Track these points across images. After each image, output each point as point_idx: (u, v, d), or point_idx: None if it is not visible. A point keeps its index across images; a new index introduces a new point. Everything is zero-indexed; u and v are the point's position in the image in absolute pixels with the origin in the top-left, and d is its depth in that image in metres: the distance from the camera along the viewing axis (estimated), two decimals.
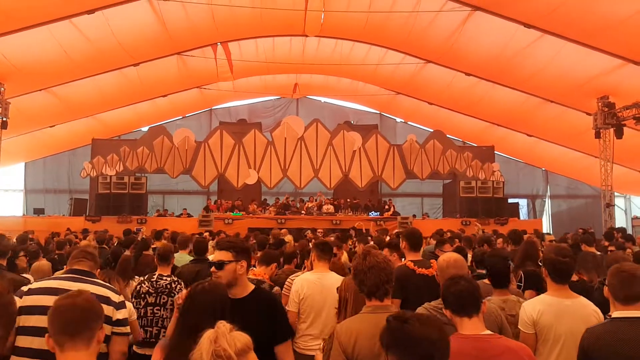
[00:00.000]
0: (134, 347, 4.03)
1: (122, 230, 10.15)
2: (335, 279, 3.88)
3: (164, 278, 4.34)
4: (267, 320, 2.57)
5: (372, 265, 2.53)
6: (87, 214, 17.17)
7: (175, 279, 4.48)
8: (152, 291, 4.21)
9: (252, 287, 2.72)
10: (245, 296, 2.65)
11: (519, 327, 2.97)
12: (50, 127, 17.88)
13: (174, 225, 13.40)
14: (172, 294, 4.28)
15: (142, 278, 4.38)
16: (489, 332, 2.28)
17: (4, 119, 13.76)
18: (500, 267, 3.45)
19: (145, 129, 20.11)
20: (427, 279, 3.87)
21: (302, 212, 17.51)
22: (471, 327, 2.25)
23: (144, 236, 9.80)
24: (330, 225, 15.68)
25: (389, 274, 2.57)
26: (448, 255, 3.14)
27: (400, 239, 4.24)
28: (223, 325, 1.68)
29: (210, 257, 4.56)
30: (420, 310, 2.95)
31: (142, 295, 4.19)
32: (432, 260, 4.22)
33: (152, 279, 4.31)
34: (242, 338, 1.67)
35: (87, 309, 1.91)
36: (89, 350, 1.87)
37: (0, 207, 15.33)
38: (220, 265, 2.62)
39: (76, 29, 12.01)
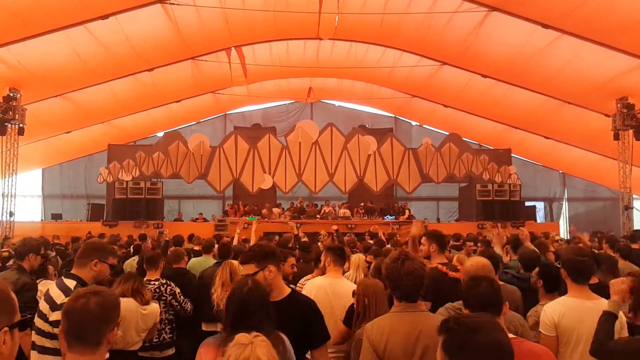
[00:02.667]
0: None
1: (138, 235, 10.17)
2: (348, 286, 3.81)
3: (152, 282, 4.44)
4: (303, 323, 2.57)
5: (409, 272, 2.50)
6: (104, 219, 17.29)
7: (164, 281, 4.60)
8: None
9: (288, 290, 2.72)
10: (282, 299, 2.64)
11: (540, 329, 2.94)
12: (67, 133, 18.07)
13: (191, 230, 13.39)
14: (163, 297, 4.47)
15: None
16: (511, 335, 2.18)
17: (21, 125, 13.91)
18: (555, 270, 3.44)
19: (160, 134, 20.25)
20: (456, 283, 3.79)
21: (317, 216, 17.44)
22: None
23: (167, 238, 9.86)
24: (345, 229, 15.56)
25: (424, 280, 2.56)
26: (476, 260, 3.06)
27: (427, 241, 4.11)
28: (255, 337, 1.70)
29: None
30: (441, 310, 2.96)
31: None
32: (456, 264, 4.14)
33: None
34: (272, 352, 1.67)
35: (99, 313, 1.83)
36: (95, 355, 1.82)
37: (19, 212, 15.45)
38: None
39: (91, 35, 12.10)
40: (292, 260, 4.39)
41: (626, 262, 5.79)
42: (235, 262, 4.15)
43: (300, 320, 2.56)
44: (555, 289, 3.38)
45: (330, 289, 3.80)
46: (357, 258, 5.35)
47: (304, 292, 3.89)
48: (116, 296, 2.02)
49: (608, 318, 2.61)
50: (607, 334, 2.55)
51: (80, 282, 2.83)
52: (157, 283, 4.47)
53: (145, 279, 4.45)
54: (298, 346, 2.45)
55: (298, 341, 2.44)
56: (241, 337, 1.70)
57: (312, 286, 3.90)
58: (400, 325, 2.42)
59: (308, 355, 2.69)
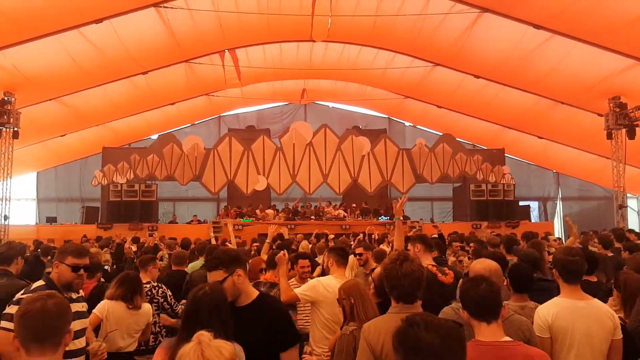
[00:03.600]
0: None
1: (131, 238, 10.16)
2: None
3: (144, 285, 4.39)
4: (272, 327, 2.52)
5: (408, 273, 2.50)
6: (99, 221, 17.28)
7: (155, 284, 4.62)
8: None
9: (256, 293, 2.66)
10: (249, 304, 2.60)
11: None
12: (61, 136, 18.04)
13: (185, 232, 13.42)
14: (155, 299, 4.47)
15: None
16: (508, 338, 2.22)
17: (15, 129, 13.91)
18: (523, 270, 3.39)
19: (154, 136, 20.24)
20: (443, 286, 3.85)
21: (312, 217, 17.48)
22: (489, 333, 2.19)
23: (156, 241, 9.87)
24: (339, 230, 15.60)
25: (422, 281, 2.56)
26: (487, 264, 3.00)
27: (412, 242, 4.19)
28: (203, 335, 1.65)
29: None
30: (447, 310, 2.93)
31: None
32: (445, 268, 4.21)
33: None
34: (228, 347, 1.63)
35: (57, 314, 1.86)
36: (55, 355, 1.83)
37: (14, 216, 15.42)
38: None
39: (85, 39, 12.12)
40: (301, 262, 4.44)
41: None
42: None
43: (267, 324, 2.52)
44: (525, 290, 3.31)
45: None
46: (351, 259, 5.41)
47: (307, 284, 3.96)
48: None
49: None
50: None
51: (48, 283, 2.86)
52: (148, 286, 4.48)
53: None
54: (267, 350, 2.44)
55: (266, 345, 2.43)
56: (196, 335, 1.65)
57: (317, 282, 3.92)
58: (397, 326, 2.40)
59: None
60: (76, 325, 2.78)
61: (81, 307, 3.03)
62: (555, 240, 10.53)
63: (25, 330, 1.81)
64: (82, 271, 2.93)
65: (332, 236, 10.19)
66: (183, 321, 2.24)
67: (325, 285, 3.87)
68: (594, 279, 4.12)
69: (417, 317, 1.64)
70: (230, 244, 7.91)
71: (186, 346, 1.61)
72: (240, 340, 2.28)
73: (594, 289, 3.62)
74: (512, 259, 4.79)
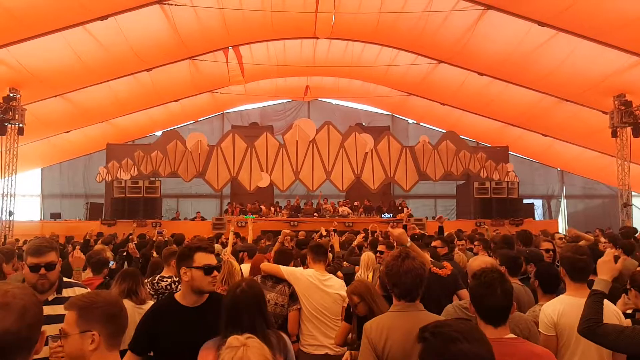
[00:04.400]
0: None
1: (137, 235, 10.20)
2: (335, 282, 3.98)
3: (165, 279, 4.35)
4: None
5: (408, 270, 2.48)
6: (103, 218, 17.35)
7: (177, 278, 4.44)
8: (153, 292, 4.21)
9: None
10: (202, 304, 2.63)
11: (539, 329, 2.87)
12: (66, 132, 18.11)
13: (188, 229, 13.47)
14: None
15: (146, 280, 4.36)
16: (512, 335, 2.19)
17: (20, 125, 13.96)
18: (553, 270, 3.40)
19: (158, 133, 20.32)
20: (439, 279, 3.91)
21: (315, 214, 17.49)
22: (495, 330, 2.16)
23: (166, 239, 9.86)
24: (343, 227, 15.62)
25: (424, 279, 2.53)
26: (483, 261, 3.00)
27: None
28: (247, 338, 1.70)
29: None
30: (449, 308, 2.93)
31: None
32: (445, 262, 4.24)
33: (154, 280, 4.34)
34: (267, 350, 1.68)
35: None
36: None
37: (18, 212, 15.51)
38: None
39: (90, 35, 12.16)
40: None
41: (629, 258, 5.80)
42: (235, 262, 4.23)
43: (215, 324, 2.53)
44: (554, 289, 3.33)
45: (318, 281, 3.94)
46: (367, 257, 5.41)
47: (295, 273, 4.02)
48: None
49: (598, 297, 2.53)
50: (598, 314, 2.48)
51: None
52: (169, 280, 4.38)
53: (159, 275, 4.42)
54: None
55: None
56: (233, 339, 1.69)
57: (299, 272, 4.04)
58: (400, 324, 2.40)
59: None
60: (48, 330, 2.51)
61: (57, 310, 2.61)
62: (561, 239, 10.45)
63: (113, 326, 1.84)
64: (43, 270, 2.65)
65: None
66: (226, 320, 2.28)
67: (304, 272, 4.03)
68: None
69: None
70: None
71: (230, 351, 1.63)
72: (188, 339, 2.37)
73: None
74: None
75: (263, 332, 2.31)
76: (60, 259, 2.89)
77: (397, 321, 2.43)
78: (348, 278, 5.08)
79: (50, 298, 2.73)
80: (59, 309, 2.62)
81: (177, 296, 2.68)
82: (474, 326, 1.59)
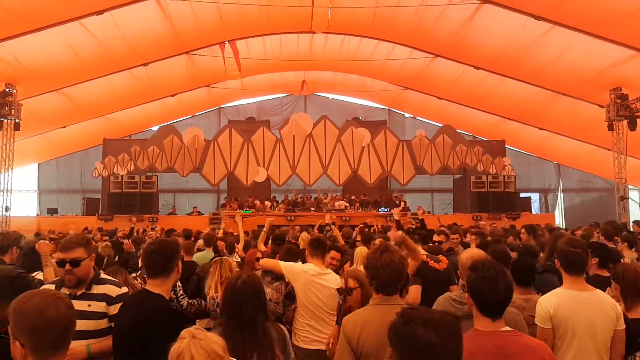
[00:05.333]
0: None
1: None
2: (332, 277, 3.99)
3: None
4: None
5: (387, 263, 2.47)
6: (100, 213, 17.34)
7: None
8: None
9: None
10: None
11: (535, 322, 2.90)
12: (62, 127, 18.06)
13: (185, 224, 13.47)
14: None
15: (134, 275, 4.38)
16: (508, 328, 2.18)
17: (17, 120, 13.92)
18: (527, 263, 3.40)
19: (155, 128, 20.28)
20: (435, 273, 4.00)
21: (312, 208, 17.51)
22: (490, 324, 2.16)
23: (158, 234, 9.88)
24: (340, 222, 15.64)
25: (402, 273, 2.53)
26: (471, 253, 2.99)
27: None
28: (196, 329, 1.64)
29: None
30: (441, 299, 2.93)
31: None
32: (440, 256, 4.27)
33: (145, 276, 4.33)
34: (220, 340, 1.63)
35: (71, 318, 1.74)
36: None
37: (15, 207, 15.49)
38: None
39: (86, 30, 12.10)
40: (332, 254, 4.50)
41: (632, 251, 5.85)
42: (230, 260, 4.26)
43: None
44: (529, 283, 3.33)
45: (316, 275, 3.95)
46: (360, 251, 5.45)
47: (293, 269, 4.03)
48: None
49: None
50: None
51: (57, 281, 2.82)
52: None
53: None
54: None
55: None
56: (183, 332, 1.61)
57: (298, 268, 4.03)
58: (375, 318, 2.37)
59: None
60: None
61: (79, 305, 2.64)
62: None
63: (37, 340, 1.65)
64: (68, 266, 2.71)
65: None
66: (226, 311, 2.33)
67: (302, 266, 4.03)
68: (606, 273, 3.89)
69: (413, 313, 1.59)
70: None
71: (181, 343, 1.57)
72: None
73: (605, 283, 3.52)
74: None
75: (263, 325, 2.34)
76: (93, 254, 2.92)
77: (373, 314, 2.43)
78: None
79: (78, 293, 2.75)
80: (82, 305, 2.69)
81: None
82: (445, 319, 1.59)
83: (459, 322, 1.64)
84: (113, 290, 2.85)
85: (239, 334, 2.26)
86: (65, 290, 2.71)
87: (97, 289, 2.82)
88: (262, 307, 2.35)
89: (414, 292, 3.86)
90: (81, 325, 2.53)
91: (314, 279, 3.88)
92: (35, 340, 1.63)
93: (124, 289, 2.93)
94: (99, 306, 2.78)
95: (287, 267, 4.02)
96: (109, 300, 2.81)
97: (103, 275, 2.96)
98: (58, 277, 2.83)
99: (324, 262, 4.14)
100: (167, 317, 2.45)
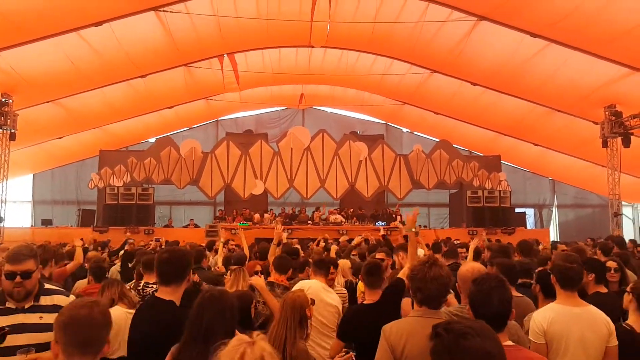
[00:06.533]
0: None
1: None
2: (333, 297, 4.03)
3: (150, 285, 4.33)
4: None
5: (435, 277, 2.46)
6: (95, 224, 17.22)
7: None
8: (140, 299, 4.18)
9: None
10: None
11: (529, 337, 2.88)
12: (58, 138, 17.99)
13: (181, 236, 13.40)
14: None
15: (128, 286, 4.33)
16: (510, 342, 2.19)
17: (12, 130, 13.88)
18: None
19: (152, 140, 20.28)
20: None
21: (309, 222, 17.48)
22: None
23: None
24: (337, 235, 15.60)
25: (448, 288, 2.54)
26: (472, 266, 2.99)
27: (396, 250, 4.32)
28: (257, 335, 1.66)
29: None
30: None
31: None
32: None
33: (139, 287, 4.31)
34: (268, 346, 1.64)
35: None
36: None
37: (9, 218, 15.38)
38: None
39: (84, 41, 12.13)
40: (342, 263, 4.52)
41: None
42: (245, 270, 4.30)
43: None
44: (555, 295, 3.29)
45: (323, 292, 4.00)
46: (343, 263, 5.50)
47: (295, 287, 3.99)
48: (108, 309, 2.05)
49: None
50: None
51: None
52: (155, 287, 4.40)
53: (143, 281, 4.38)
54: None
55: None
56: (235, 339, 1.63)
57: (307, 286, 3.97)
58: (420, 329, 2.35)
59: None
60: (20, 339, 2.53)
61: (31, 318, 2.63)
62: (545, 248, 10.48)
63: (69, 336, 1.82)
64: (18, 278, 2.57)
65: (331, 241, 10.21)
66: (194, 325, 2.29)
67: (304, 284, 4.04)
68: (604, 289, 3.89)
69: (461, 327, 1.56)
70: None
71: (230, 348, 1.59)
72: None
73: (604, 300, 3.51)
74: None
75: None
76: (41, 265, 2.89)
77: (418, 326, 2.41)
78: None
79: (27, 306, 2.65)
80: (33, 318, 2.61)
81: None
82: (484, 324, 1.61)
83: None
84: (63, 300, 2.74)
85: (198, 348, 2.21)
86: (10, 304, 2.61)
87: (45, 300, 2.72)
88: (227, 323, 2.29)
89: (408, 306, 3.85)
90: (34, 338, 2.55)
91: (321, 296, 3.88)
92: (65, 336, 1.81)
93: (72, 297, 2.84)
94: (51, 317, 2.58)
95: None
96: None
97: (47, 286, 2.86)
98: None
99: (326, 279, 4.18)
100: (179, 324, 2.45)
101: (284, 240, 10.15)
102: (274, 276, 4.47)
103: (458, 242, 9.21)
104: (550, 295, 3.32)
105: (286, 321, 2.84)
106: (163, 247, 9.15)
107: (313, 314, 3.81)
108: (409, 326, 2.46)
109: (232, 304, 2.40)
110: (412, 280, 2.55)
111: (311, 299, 3.42)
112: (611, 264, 4.42)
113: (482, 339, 1.51)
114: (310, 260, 5.05)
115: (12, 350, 2.47)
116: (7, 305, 2.59)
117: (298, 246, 8.92)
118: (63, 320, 1.86)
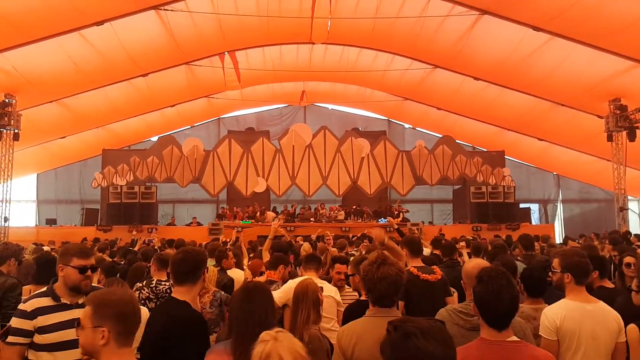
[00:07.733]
0: None
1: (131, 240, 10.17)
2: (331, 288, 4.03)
3: (163, 283, 4.31)
4: None
5: (384, 277, 2.45)
6: (99, 223, 17.26)
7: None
8: (153, 297, 4.17)
9: None
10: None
11: (540, 333, 2.87)
12: (61, 138, 18.03)
13: (184, 234, 13.41)
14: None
15: (140, 284, 4.32)
16: (515, 338, 2.17)
17: (16, 130, 13.92)
18: (537, 274, 3.41)
19: (154, 138, 20.31)
20: (429, 285, 3.99)
21: (311, 219, 17.46)
22: (498, 334, 2.15)
23: (157, 245, 9.79)
24: (339, 232, 15.58)
25: (400, 286, 2.51)
26: (477, 262, 2.96)
27: (400, 246, 4.26)
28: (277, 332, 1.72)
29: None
30: (443, 311, 2.89)
31: (142, 301, 4.13)
32: (434, 267, 4.26)
33: (151, 285, 4.28)
34: (298, 342, 1.72)
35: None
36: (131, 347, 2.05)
37: (13, 218, 15.44)
38: None
39: (85, 41, 12.14)
40: (340, 267, 4.47)
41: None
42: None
43: None
44: (539, 294, 3.34)
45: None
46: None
47: (283, 288, 3.98)
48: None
49: None
50: None
51: (49, 291, 2.71)
52: (167, 284, 4.30)
53: (155, 279, 4.35)
54: None
55: None
56: (264, 334, 1.70)
57: (292, 283, 3.93)
58: (371, 329, 2.35)
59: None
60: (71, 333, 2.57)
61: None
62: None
63: (124, 325, 1.95)
64: (89, 272, 2.77)
65: (329, 237, 10.14)
66: (240, 321, 2.31)
67: (295, 280, 4.00)
68: (609, 284, 3.88)
69: (408, 326, 1.55)
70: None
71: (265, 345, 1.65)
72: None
73: (611, 295, 3.50)
74: None
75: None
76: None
77: (369, 326, 2.42)
78: None
79: (80, 301, 2.77)
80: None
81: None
82: (438, 326, 1.58)
83: (445, 326, 1.65)
84: None
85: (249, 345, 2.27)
86: (65, 300, 2.71)
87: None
88: (270, 318, 2.36)
89: None
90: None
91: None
92: (122, 325, 1.93)
93: None
94: None
95: (286, 290, 3.88)
96: None
97: (93, 284, 2.97)
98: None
99: (317, 274, 4.16)
100: (193, 324, 2.52)
101: (287, 238, 10.18)
102: (267, 273, 4.48)
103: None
104: (535, 294, 3.32)
105: (299, 309, 2.94)
106: (158, 246, 9.16)
107: None
108: (361, 327, 2.47)
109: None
110: (364, 281, 2.58)
111: (320, 286, 3.52)
112: (629, 259, 4.37)
113: (427, 340, 1.49)
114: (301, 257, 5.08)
115: (74, 344, 2.47)
116: (62, 301, 2.72)
117: (307, 244, 8.88)
118: (120, 312, 1.97)
